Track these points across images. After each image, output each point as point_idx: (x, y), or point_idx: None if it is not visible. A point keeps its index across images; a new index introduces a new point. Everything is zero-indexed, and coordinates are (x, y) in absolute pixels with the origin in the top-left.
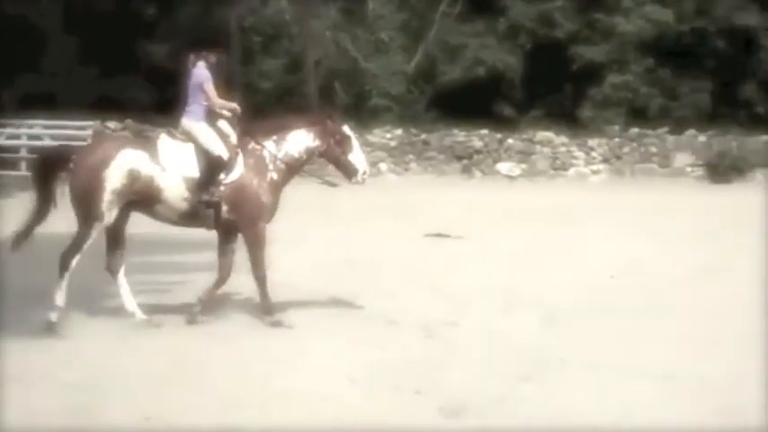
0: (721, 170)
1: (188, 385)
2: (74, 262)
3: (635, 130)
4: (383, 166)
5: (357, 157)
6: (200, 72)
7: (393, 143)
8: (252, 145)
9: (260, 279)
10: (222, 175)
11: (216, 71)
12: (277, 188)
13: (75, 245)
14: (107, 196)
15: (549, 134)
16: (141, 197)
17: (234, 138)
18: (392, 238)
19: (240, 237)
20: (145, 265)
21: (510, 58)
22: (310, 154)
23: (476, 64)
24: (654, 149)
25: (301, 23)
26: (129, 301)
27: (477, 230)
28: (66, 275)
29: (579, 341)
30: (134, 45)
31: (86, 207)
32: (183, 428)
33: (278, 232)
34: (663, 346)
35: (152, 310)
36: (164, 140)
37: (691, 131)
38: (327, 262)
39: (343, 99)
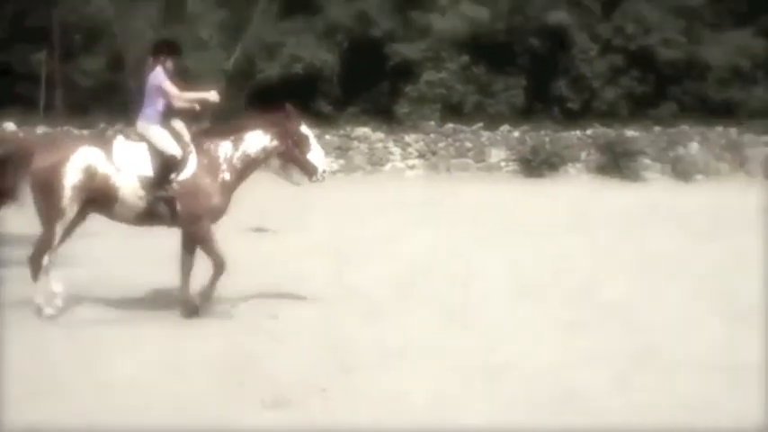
0: (534, 165)
1: (18, 374)
2: (45, 260)
3: (450, 126)
4: None
5: (316, 155)
6: (157, 74)
7: None
8: (207, 144)
9: (218, 270)
10: (175, 173)
11: (171, 76)
12: (229, 189)
13: (44, 244)
14: (67, 192)
15: (366, 130)
16: (99, 196)
17: (187, 137)
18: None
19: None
20: None
21: (327, 55)
22: (268, 154)
23: (293, 61)
24: (469, 145)
25: (122, 21)
26: (40, 294)
27: (295, 225)
28: (41, 275)
29: (399, 332)
30: None
31: (48, 203)
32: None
33: (94, 224)
34: (480, 334)
35: None
36: (119, 141)
37: (505, 127)
38: (151, 254)
39: None
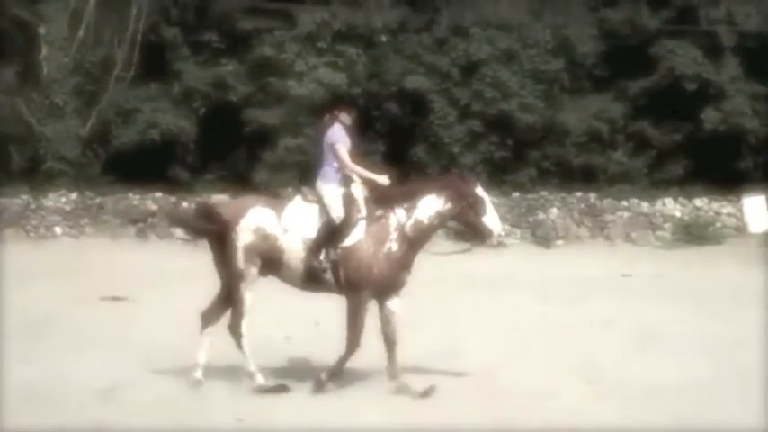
0: None
1: None
2: (244, 328)
3: None
4: (58, 229)
5: (491, 218)
6: (334, 134)
7: (68, 207)
8: (379, 212)
9: (350, 346)
10: (338, 238)
11: (350, 132)
12: (395, 261)
13: (237, 312)
14: (240, 254)
15: (223, 197)
16: (268, 258)
17: (361, 202)
18: (66, 301)
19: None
20: None
21: (184, 121)
22: (442, 218)
23: (150, 127)
24: None
25: None
26: (202, 356)
27: (152, 293)
28: (245, 342)
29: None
30: None
31: (226, 267)
32: None
33: None
34: (331, 400)
35: None
36: (295, 202)
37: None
38: None
39: (18, 163)
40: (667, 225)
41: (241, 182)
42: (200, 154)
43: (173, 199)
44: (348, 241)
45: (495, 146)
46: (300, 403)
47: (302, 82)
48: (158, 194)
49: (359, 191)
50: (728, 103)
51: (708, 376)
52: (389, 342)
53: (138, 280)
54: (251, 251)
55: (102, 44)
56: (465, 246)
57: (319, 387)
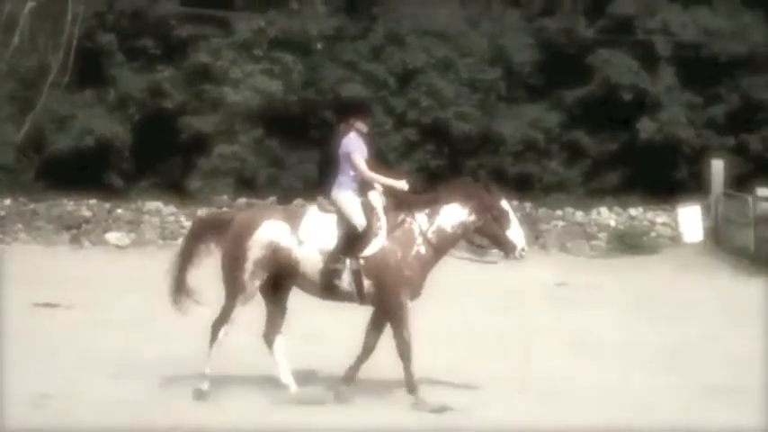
0: None
1: None
2: (222, 333)
3: (243, 200)
4: None
5: (515, 232)
6: (349, 142)
7: (2, 213)
8: (401, 217)
9: (403, 355)
10: (358, 247)
11: (366, 140)
12: (424, 263)
13: (223, 316)
14: (249, 266)
15: (157, 204)
16: (283, 269)
17: (381, 209)
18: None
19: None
20: None
21: (119, 128)
22: (465, 229)
23: (84, 134)
24: None
25: None
26: (285, 372)
27: (86, 299)
28: (215, 345)
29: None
30: None
31: (231, 277)
32: None
33: None
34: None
35: None
36: (311, 213)
37: (298, 201)
38: None
39: None
40: (602, 234)
41: (176, 189)
42: (135, 161)
43: (107, 205)
44: (370, 250)
45: (430, 154)
46: (239, 409)
47: (238, 89)
48: (93, 201)
49: (377, 199)
50: (664, 112)
51: (644, 382)
52: (368, 349)
53: (72, 286)
54: (259, 265)
55: (37, 50)
56: (491, 258)
57: (422, 406)
